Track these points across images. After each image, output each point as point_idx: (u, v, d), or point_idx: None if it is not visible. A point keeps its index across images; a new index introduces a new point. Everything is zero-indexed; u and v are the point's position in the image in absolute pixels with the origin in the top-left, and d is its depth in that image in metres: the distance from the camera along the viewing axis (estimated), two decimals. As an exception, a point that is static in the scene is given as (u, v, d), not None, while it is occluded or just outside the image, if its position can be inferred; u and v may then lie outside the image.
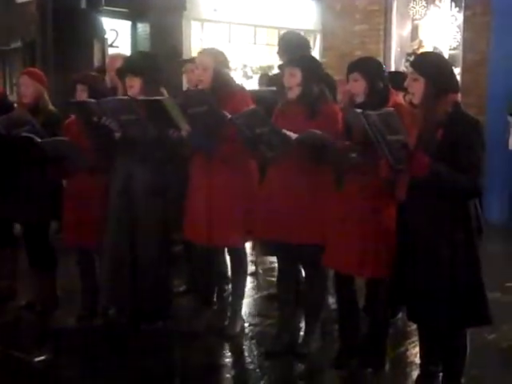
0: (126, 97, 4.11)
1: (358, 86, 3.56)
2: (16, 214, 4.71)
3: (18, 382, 3.86)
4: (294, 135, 3.59)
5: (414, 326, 3.97)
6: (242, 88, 4.35)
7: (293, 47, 4.48)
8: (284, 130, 3.63)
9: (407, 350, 4.16)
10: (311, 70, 3.86)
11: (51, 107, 4.75)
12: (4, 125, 4.41)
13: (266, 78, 6.65)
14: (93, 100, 4.13)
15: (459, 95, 3.35)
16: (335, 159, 3.56)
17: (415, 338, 3.97)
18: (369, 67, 3.61)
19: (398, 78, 4.14)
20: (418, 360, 3.78)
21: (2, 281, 5.05)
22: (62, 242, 4.57)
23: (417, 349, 3.87)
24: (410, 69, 3.29)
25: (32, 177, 4.56)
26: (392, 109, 3.08)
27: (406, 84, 3.31)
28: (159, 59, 4.47)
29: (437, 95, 3.17)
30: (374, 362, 3.73)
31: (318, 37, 13.14)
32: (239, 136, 3.80)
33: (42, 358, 4.06)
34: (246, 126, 3.72)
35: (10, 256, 5.07)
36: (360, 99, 3.58)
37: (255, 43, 13.94)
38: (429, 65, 3.23)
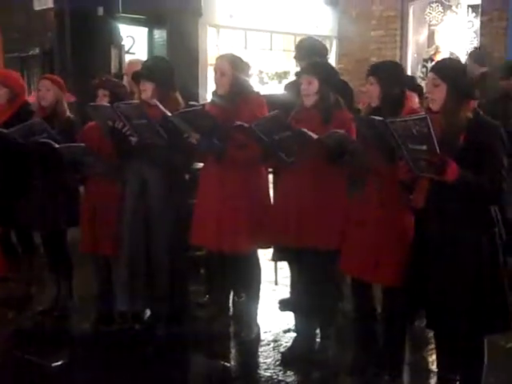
0: (136, 101, 4.13)
1: (373, 90, 3.56)
2: (33, 221, 4.75)
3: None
4: (316, 136, 3.58)
5: (432, 333, 3.94)
6: (259, 94, 4.36)
7: (310, 53, 4.50)
8: (306, 131, 3.62)
9: (424, 357, 4.13)
10: (328, 78, 3.89)
11: (69, 114, 4.79)
12: (21, 133, 4.44)
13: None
14: (107, 104, 4.16)
15: (477, 102, 3.33)
16: (356, 161, 3.55)
17: (432, 345, 3.95)
18: (384, 72, 3.60)
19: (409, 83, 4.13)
20: (435, 367, 3.75)
21: (19, 287, 5.10)
22: (79, 247, 4.60)
23: (434, 356, 3.85)
24: (431, 74, 3.27)
25: (49, 183, 4.60)
26: (425, 114, 3.05)
27: (426, 90, 3.29)
28: (173, 64, 4.49)
29: (459, 101, 3.15)
30: (391, 369, 3.70)
31: (334, 42, 13.16)
32: (257, 143, 3.81)
33: (59, 363, 4.08)
34: (264, 133, 3.72)
35: (28, 262, 5.12)
36: (374, 103, 3.57)
37: (271, 49, 13.97)
38: (451, 70, 3.22)
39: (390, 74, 3.59)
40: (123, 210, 4.32)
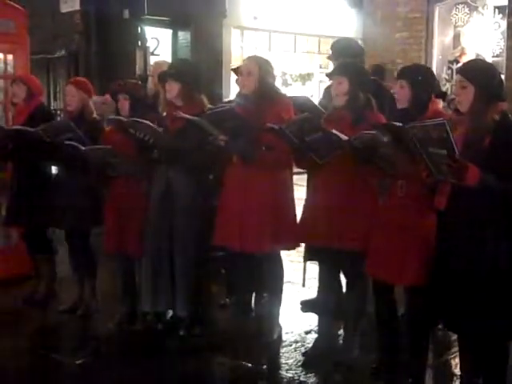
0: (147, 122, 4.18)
1: (403, 94, 3.55)
2: (59, 221, 4.80)
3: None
4: (344, 137, 3.58)
5: (455, 336, 3.91)
6: (285, 96, 4.37)
7: (345, 53, 4.50)
8: (336, 132, 3.61)
9: (447, 360, 4.10)
10: (358, 78, 3.88)
11: (96, 116, 4.84)
12: (48, 133, 4.50)
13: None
14: (125, 119, 4.21)
15: (506, 104, 3.30)
16: (385, 162, 3.53)
17: (456, 349, 3.92)
18: (416, 75, 3.58)
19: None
20: (458, 371, 3.72)
21: (42, 285, 5.15)
22: (103, 247, 4.63)
23: (457, 359, 3.82)
24: (458, 76, 3.25)
25: (75, 183, 4.64)
26: (443, 119, 3.04)
27: (453, 92, 3.28)
28: (200, 67, 4.52)
29: (487, 103, 3.13)
30: (414, 372, 3.67)
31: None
32: (288, 145, 3.81)
33: (82, 361, 4.12)
34: (295, 135, 3.72)
35: (49, 261, 5.17)
36: (402, 106, 3.55)
37: (295, 51, 13.96)
38: (478, 72, 3.19)
39: (421, 78, 3.58)
40: (148, 211, 4.34)
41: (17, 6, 5.93)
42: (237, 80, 5.17)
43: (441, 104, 4.50)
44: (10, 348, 4.32)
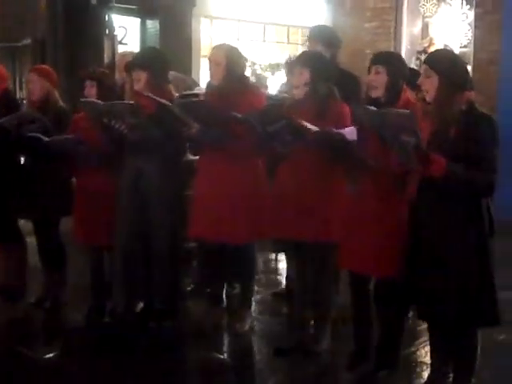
0: (130, 102, 4.11)
1: (381, 79, 3.52)
2: (26, 211, 4.72)
3: (27, 379, 3.85)
4: (314, 128, 3.55)
5: (424, 326, 3.95)
6: (255, 85, 4.34)
7: (320, 42, 4.50)
8: (304, 122, 3.58)
9: (417, 349, 4.13)
10: (320, 68, 3.85)
11: (61, 104, 4.75)
12: (13, 123, 4.41)
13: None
14: (100, 102, 4.12)
15: (472, 93, 3.32)
16: (352, 158, 3.53)
17: (425, 338, 3.95)
18: (394, 62, 3.58)
19: (412, 76, 4.11)
20: (428, 360, 3.75)
21: (11, 278, 5.06)
22: (72, 238, 4.56)
23: (427, 348, 3.85)
24: (424, 66, 3.27)
25: (41, 174, 4.57)
26: (409, 111, 3.05)
27: (419, 81, 3.29)
28: (167, 55, 4.46)
29: (451, 92, 3.15)
30: (388, 363, 3.69)
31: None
32: (252, 134, 3.78)
33: (51, 355, 4.06)
34: (259, 124, 3.70)
35: (18, 253, 5.07)
36: (377, 93, 3.53)
37: (264, 41, 13.90)
38: (443, 62, 3.21)
39: (398, 65, 3.58)
40: (118, 201, 4.28)
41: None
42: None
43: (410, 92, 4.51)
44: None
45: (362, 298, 3.79)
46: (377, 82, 3.52)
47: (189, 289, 5.08)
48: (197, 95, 4.97)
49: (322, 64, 3.92)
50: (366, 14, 10.45)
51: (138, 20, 11.28)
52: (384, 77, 3.50)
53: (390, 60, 3.58)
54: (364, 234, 3.54)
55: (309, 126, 3.54)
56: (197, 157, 4.48)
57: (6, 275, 5.09)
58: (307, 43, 4.93)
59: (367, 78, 3.57)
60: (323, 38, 4.71)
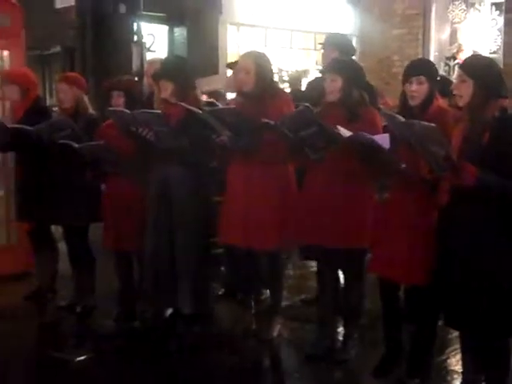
0: (157, 111, 4.16)
1: (422, 90, 3.50)
2: (56, 217, 4.77)
3: (58, 381, 3.89)
4: (347, 132, 3.55)
5: (455, 334, 3.91)
6: (284, 90, 4.34)
7: (336, 49, 4.50)
8: (340, 127, 3.58)
9: (448, 357, 4.08)
10: (352, 76, 3.86)
11: (91, 111, 4.81)
12: (45, 131, 4.46)
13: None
14: (127, 111, 4.16)
15: (507, 101, 3.29)
16: (384, 163, 3.51)
17: (456, 346, 3.91)
18: (433, 71, 3.59)
19: (442, 83, 4.09)
20: (459, 368, 3.71)
21: (42, 282, 5.12)
22: (101, 244, 4.60)
23: (458, 356, 3.81)
24: (459, 70, 3.25)
25: (71, 180, 4.61)
26: (434, 125, 3.03)
27: (453, 86, 3.27)
28: (192, 62, 4.49)
29: (485, 98, 3.12)
30: (420, 371, 3.65)
31: (355, 41, 13.07)
32: (282, 140, 3.79)
33: (82, 358, 4.09)
34: (290, 130, 3.70)
35: (49, 258, 5.14)
36: (416, 102, 3.51)
37: (291, 47, 13.91)
38: (479, 67, 3.19)
39: (435, 73, 3.58)
40: (146, 208, 4.31)
41: (12, 0, 5.88)
42: (231, 75, 5.16)
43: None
44: (10, 345, 4.30)
45: (391, 305, 3.77)
46: (419, 92, 3.50)
47: (219, 293, 5.09)
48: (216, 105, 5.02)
49: (354, 71, 3.93)
50: (394, 21, 10.43)
51: (166, 27, 11.38)
52: (426, 87, 3.49)
53: (429, 69, 3.58)
54: (394, 240, 3.52)
55: (342, 130, 3.54)
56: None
57: (38, 280, 5.17)
58: (322, 51, 4.92)
59: (408, 89, 3.54)
60: (338, 45, 4.72)
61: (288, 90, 7.77)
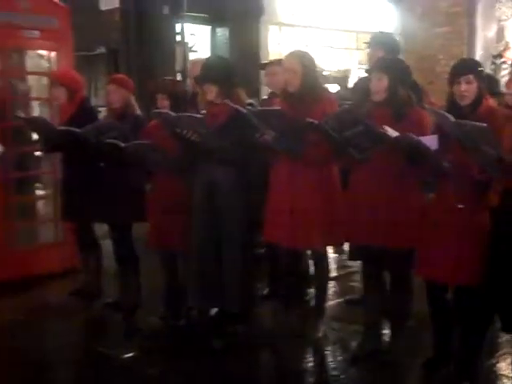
0: (199, 115, 4.20)
1: (472, 89, 3.46)
2: (101, 215, 4.83)
3: (105, 377, 3.94)
4: (394, 133, 3.52)
5: (506, 337, 3.83)
6: (329, 91, 4.32)
7: (382, 48, 4.46)
8: (387, 128, 3.55)
9: (498, 361, 4.00)
10: (398, 74, 3.82)
11: (138, 111, 4.86)
12: (92, 134, 4.52)
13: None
14: (172, 113, 4.21)
15: None
16: (430, 165, 3.47)
17: (506, 350, 3.84)
18: (481, 70, 3.54)
19: (489, 82, 4.02)
20: (509, 373, 3.64)
21: (88, 279, 5.20)
22: (146, 243, 4.64)
23: (508, 360, 3.75)
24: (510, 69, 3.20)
25: (116, 179, 4.66)
26: (485, 125, 2.98)
27: (506, 85, 3.21)
28: (233, 62, 4.50)
29: None
30: (469, 374, 3.59)
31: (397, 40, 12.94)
32: (327, 140, 3.77)
33: (130, 355, 4.14)
34: (335, 129, 3.68)
35: (94, 256, 5.22)
36: (466, 102, 3.47)
37: (333, 47, 13.85)
38: None
39: (483, 72, 3.53)
40: (192, 208, 4.33)
41: (60, 3, 5.98)
42: (266, 76, 5.15)
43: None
44: (57, 341, 4.37)
45: (439, 307, 3.72)
46: (469, 92, 3.46)
47: (264, 293, 5.09)
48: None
49: (400, 70, 3.89)
50: (438, 19, 10.29)
51: (209, 28, 11.44)
52: (475, 86, 3.45)
53: (477, 68, 3.53)
54: (442, 240, 3.47)
55: (389, 130, 3.50)
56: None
57: (83, 277, 5.24)
58: (368, 50, 4.89)
59: (457, 89, 3.49)
60: (384, 44, 4.68)
61: (334, 90, 7.73)
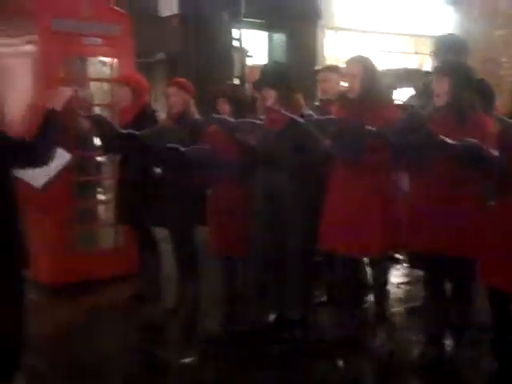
0: (258, 121, 4.24)
1: None
2: (162, 220, 4.88)
3: (162, 382, 3.98)
4: (451, 141, 3.45)
5: None
6: (389, 95, 4.28)
7: (447, 51, 4.38)
8: (443, 138, 3.50)
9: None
10: (461, 77, 3.74)
11: (197, 116, 4.89)
12: (152, 138, 4.58)
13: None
14: (231, 119, 4.22)
15: None
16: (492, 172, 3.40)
17: None
18: None
19: None
20: None
21: (147, 283, 5.26)
22: (207, 249, 4.66)
23: None
24: None
25: (178, 184, 4.70)
26: None
27: None
28: (292, 69, 4.50)
29: None
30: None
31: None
32: (386, 147, 3.73)
33: (189, 360, 4.16)
34: (396, 133, 3.64)
35: (153, 260, 5.27)
36: None
37: (390, 51, 13.72)
38: None
39: None
40: (252, 214, 4.34)
41: (121, 10, 6.08)
42: (319, 82, 5.12)
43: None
44: (116, 344, 4.43)
45: (503, 316, 3.63)
46: None
47: (322, 300, 5.06)
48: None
49: (463, 73, 3.81)
50: (497, 21, 10.06)
51: (266, 33, 11.49)
52: None
53: None
54: (504, 247, 3.39)
55: (447, 140, 3.45)
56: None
57: (143, 281, 5.31)
58: (433, 53, 4.79)
59: None
60: (451, 46, 4.57)
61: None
